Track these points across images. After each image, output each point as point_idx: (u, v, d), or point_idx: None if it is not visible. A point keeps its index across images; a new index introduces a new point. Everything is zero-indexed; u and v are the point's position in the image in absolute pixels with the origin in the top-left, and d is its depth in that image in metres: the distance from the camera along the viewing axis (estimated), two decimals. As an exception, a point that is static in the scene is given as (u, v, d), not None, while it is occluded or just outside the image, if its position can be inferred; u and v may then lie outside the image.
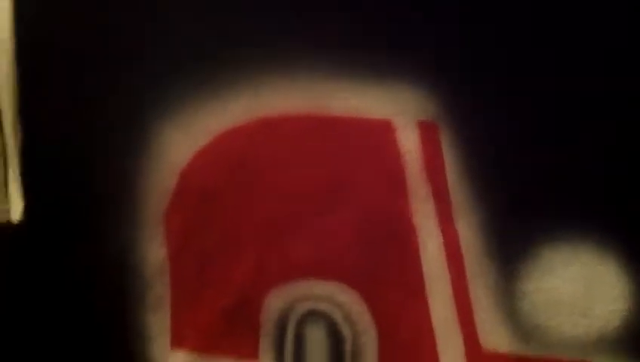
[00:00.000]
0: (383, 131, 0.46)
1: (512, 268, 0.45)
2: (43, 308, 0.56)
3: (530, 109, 0.44)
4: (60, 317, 0.55)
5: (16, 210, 0.61)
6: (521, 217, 0.45)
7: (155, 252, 0.52)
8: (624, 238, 0.44)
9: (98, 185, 0.52)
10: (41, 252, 0.55)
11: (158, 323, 0.53)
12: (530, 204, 0.45)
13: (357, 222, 0.48)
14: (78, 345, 0.55)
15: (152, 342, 0.53)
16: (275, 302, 0.50)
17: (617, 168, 0.43)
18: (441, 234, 0.46)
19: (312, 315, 0.50)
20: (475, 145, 0.45)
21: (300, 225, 0.49)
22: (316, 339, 0.50)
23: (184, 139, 0.50)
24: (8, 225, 0.59)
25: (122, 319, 0.53)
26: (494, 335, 0.47)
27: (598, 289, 0.45)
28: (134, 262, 0.52)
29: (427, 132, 0.45)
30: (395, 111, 0.45)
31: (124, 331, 0.53)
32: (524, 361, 0.46)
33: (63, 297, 0.55)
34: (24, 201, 0.55)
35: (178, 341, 0.53)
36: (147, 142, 0.50)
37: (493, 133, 0.44)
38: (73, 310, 0.55)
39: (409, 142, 0.46)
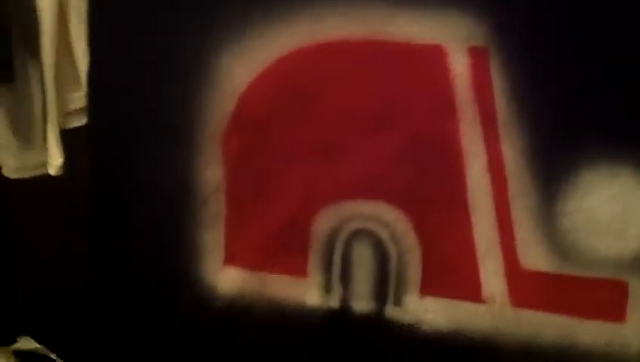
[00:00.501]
0: (434, 56, 0.49)
1: (553, 189, 0.48)
2: (101, 225, 0.59)
3: (579, 33, 0.46)
4: (117, 229, 0.58)
5: (55, 164, 0.64)
6: (564, 139, 0.47)
7: (212, 171, 0.55)
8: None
9: (159, 108, 0.55)
10: (101, 176, 0.59)
11: (212, 240, 0.56)
12: (572, 127, 0.47)
13: (406, 143, 0.50)
14: (133, 257, 0.58)
15: (206, 258, 0.56)
16: (324, 221, 0.53)
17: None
18: (486, 155, 0.49)
19: (359, 234, 0.53)
20: (522, 69, 0.47)
21: (351, 147, 0.52)
22: (363, 257, 0.53)
23: (244, 65, 0.53)
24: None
25: (178, 234, 0.56)
26: (533, 255, 0.49)
27: (635, 211, 0.47)
28: (192, 181, 0.55)
29: (477, 56, 0.48)
30: (446, 36, 0.48)
31: (179, 246, 0.56)
32: (562, 280, 0.49)
33: (122, 212, 0.58)
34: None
35: (231, 258, 0.56)
36: (208, 67, 0.53)
37: (541, 57, 0.47)
38: (129, 224, 0.58)
39: (459, 66, 0.48)
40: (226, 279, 0.56)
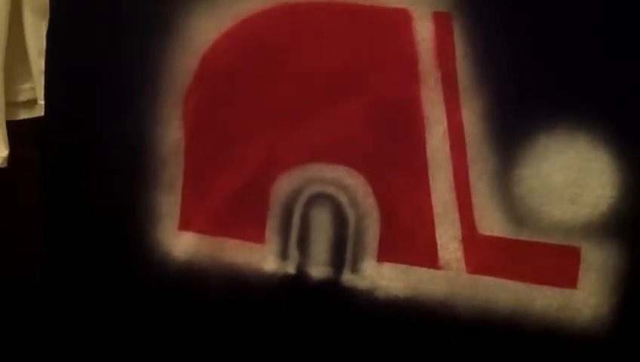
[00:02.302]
0: (399, 20, 0.49)
1: (511, 155, 0.49)
2: (59, 189, 0.58)
3: (540, 6, 0.47)
4: (71, 192, 0.57)
5: (0, 155, 0.63)
6: (523, 105, 0.48)
7: (172, 132, 0.54)
8: (616, 127, 0.47)
9: (119, 66, 0.55)
10: (60, 134, 0.57)
11: (169, 204, 0.55)
12: (531, 92, 0.48)
13: (369, 107, 0.51)
14: (87, 222, 0.57)
15: (161, 222, 0.55)
16: (284, 185, 0.53)
17: (616, 65, 0.47)
18: (446, 120, 0.50)
19: (318, 198, 0.52)
20: (484, 35, 0.48)
21: (313, 110, 0.52)
22: (321, 222, 0.53)
23: (208, 22, 0.52)
24: None
25: (134, 197, 0.55)
26: (490, 220, 0.50)
27: (589, 176, 0.48)
28: (151, 141, 0.54)
29: (441, 21, 0.49)
30: (411, 1, 0.49)
31: (134, 209, 0.55)
32: (517, 245, 0.49)
33: (76, 174, 0.57)
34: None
35: (186, 222, 0.55)
36: (172, 23, 0.53)
37: (503, 23, 0.48)
38: (83, 186, 0.57)
39: (423, 31, 0.49)
40: (181, 244, 0.55)
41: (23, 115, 0.65)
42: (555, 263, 0.49)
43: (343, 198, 0.52)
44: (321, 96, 0.52)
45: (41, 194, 0.59)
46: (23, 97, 0.64)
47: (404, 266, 0.52)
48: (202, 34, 0.52)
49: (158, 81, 0.54)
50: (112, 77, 0.55)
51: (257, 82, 0.52)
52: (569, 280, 0.49)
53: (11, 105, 0.64)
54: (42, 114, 0.58)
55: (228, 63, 0.53)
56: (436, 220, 0.51)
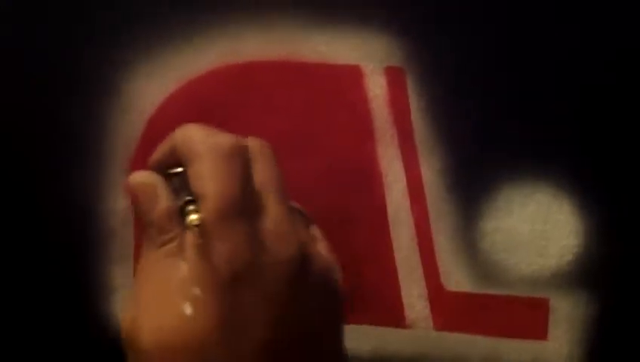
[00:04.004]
0: (351, 77, 0.48)
1: (473, 209, 0.48)
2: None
3: (495, 53, 0.46)
4: (17, 262, 0.54)
5: None
6: (482, 159, 0.47)
7: (119, 201, 0.51)
8: (577, 176, 0.46)
9: (63, 128, 0.52)
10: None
11: (122, 276, 0.52)
12: (490, 147, 0.47)
13: (324, 167, 0.49)
14: (37, 294, 0.54)
15: (116, 294, 0.53)
16: (241, 249, 0.51)
17: (574, 115, 0.46)
18: (405, 177, 0.48)
19: (278, 261, 0.50)
20: (439, 89, 0.47)
21: (267, 172, 0.50)
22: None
23: (153, 85, 0.50)
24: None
25: (86, 269, 0.53)
26: (455, 276, 0.49)
27: (553, 227, 0.47)
28: (99, 211, 0.52)
29: (394, 77, 0.47)
30: (363, 56, 0.47)
31: (88, 281, 0.53)
32: (485, 300, 0.48)
33: (22, 242, 0.54)
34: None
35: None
36: (115, 87, 0.50)
37: (457, 77, 0.47)
38: (33, 256, 0.54)
39: (377, 87, 0.48)
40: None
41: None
42: (524, 316, 0.48)
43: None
44: (275, 156, 0.49)
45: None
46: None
47: (370, 327, 0.50)
48: (147, 96, 0.50)
49: (103, 147, 0.51)
50: (55, 145, 0.52)
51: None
52: (539, 331, 0.48)
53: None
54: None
55: (175, 126, 0.50)
56: (401, 279, 0.49)
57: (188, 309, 0.33)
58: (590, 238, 0.47)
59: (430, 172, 0.48)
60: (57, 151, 0.52)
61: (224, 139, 0.35)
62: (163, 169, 0.38)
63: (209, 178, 0.34)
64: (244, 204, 0.34)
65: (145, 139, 0.51)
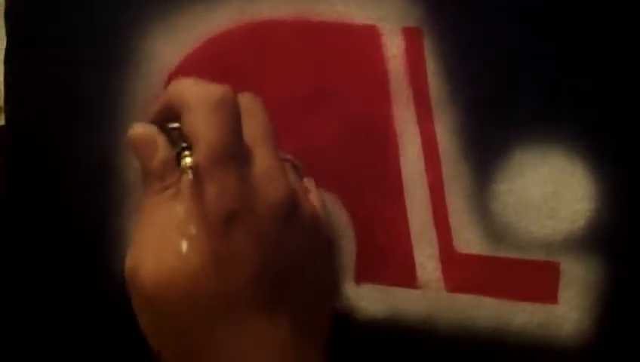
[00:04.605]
0: (368, 36, 0.48)
1: (486, 171, 0.48)
2: (20, 208, 0.56)
3: (512, 19, 0.46)
4: (36, 217, 0.55)
5: None
6: (497, 120, 0.47)
7: (137, 158, 0.52)
8: (592, 139, 0.46)
9: (83, 89, 0.53)
10: (22, 154, 0.55)
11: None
12: (504, 107, 0.47)
13: (340, 127, 0.49)
14: (54, 247, 0.55)
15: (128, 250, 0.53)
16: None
17: (588, 75, 0.46)
18: (420, 138, 0.48)
19: (292, 220, 0.51)
20: (456, 49, 0.47)
21: (282, 130, 0.50)
22: (295, 244, 0.51)
23: (172, 45, 0.51)
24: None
25: (99, 222, 0.54)
26: (467, 238, 0.49)
27: (566, 190, 0.47)
28: (116, 167, 0.53)
29: (411, 37, 0.47)
30: (380, 17, 0.48)
31: (101, 237, 0.54)
32: (496, 262, 0.49)
33: (41, 198, 0.55)
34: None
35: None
36: (134, 46, 0.51)
37: (474, 38, 0.47)
38: (53, 212, 0.55)
39: (393, 48, 0.48)
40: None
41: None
42: (534, 279, 0.48)
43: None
44: (291, 115, 0.50)
45: (7, 205, 0.57)
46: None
47: (382, 287, 0.51)
48: (164, 57, 0.51)
49: (122, 107, 0.52)
50: (75, 104, 0.53)
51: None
52: (549, 295, 0.48)
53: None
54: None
55: (193, 85, 0.51)
56: (413, 239, 0.50)
57: (184, 246, 0.36)
58: (603, 202, 0.47)
59: (445, 133, 0.48)
60: (76, 113, 0.53)
61: (214, 89, 0.38)
62: (161, 123, 0.40)
63: (201, 125, 0.37)
64: (235, 150, 0.37)
65: (163, 97, 0.51)
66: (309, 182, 0.46)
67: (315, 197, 0.45)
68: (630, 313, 0.48)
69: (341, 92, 0.49)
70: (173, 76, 0.51)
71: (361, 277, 0.51)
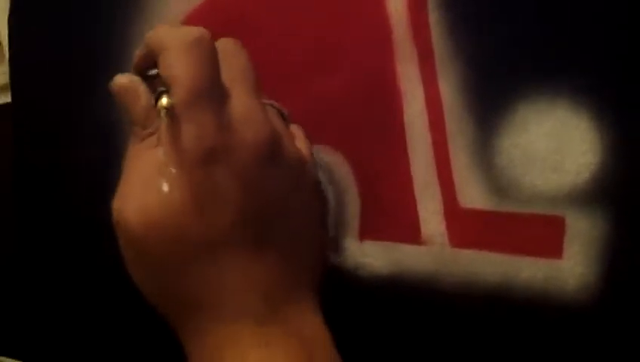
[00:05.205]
0: (371, -8, 0.48)
1: (490, 125, 0.48)
2: (33, 175, 0.57)
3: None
4: (46, 180, 0.56)
5: None
6: (500, 74, 0.47)
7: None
8: (596, 93, 0.46)
9: (89, 44, 0.53)
10: (28, 120, 0.56)
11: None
12: (508, 61, 0.47)
13: (344, 83, 0.50)
14: (63, 211, 0.56)
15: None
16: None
17: (593, 28, 0.46)
18: (423, 93, 0.49)
19: (297, 178, 0.51)
20: (459, 7, 0.47)
21: (287, 87, 0.51)
22: (300, 201, 0.52)
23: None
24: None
25: (110, 178, 0.54)
26: (471, 193, 0.49)
27: (570, 144, 0.47)
28: (124, 125, 0.53)
29: (414, -8, 0.48)
30: (383, -28, 0.48)
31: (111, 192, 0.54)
32: (500, 217, 0.49)
33: (49, 159, 0.56)
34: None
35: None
36: (140, 2, 0.52)
37: (476, -9, 0.47)
38: (58, 170, 0.56)
39: (397, 4, 0.48)
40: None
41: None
42: (539, 233, 0.48)
43: (321, 176, 0.51)
44: (295, 72, 0.51)
45: (16, 180, 0.58)
46: (-1, 81, 0.63)
47: (386, 243, 0.51)
48: (172, 10, 0.51)
49: (129, 62, 0.52)
50: (79, 56, 0.54)
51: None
52: (554, 250, 0.48)
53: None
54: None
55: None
56: (417, 195, 0.50)
57: (165, 187, 0.37)
58: (608, 156, 0.47)
59: (449, 89, 0.48)
60: (84, 67, 0.54)
61: (189, 30, 0.38)
62: (143, 72, 0.41)
63: (176, 66, 0.37)
64: (212, 90, 0.37)
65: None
66: (296, 129, 0.46)
67: (302, 142, 0.45)
68: (635, 267, 0.48)
69: (345, 48, 0.49)
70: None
71: (365, 233, 0.51)
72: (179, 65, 0.36)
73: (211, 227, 0.37)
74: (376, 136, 0.50)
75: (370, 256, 0.51)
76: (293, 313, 0.39)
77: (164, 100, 0.37)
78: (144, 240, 0.37)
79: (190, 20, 0.51)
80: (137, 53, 0.42)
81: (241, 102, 0.39)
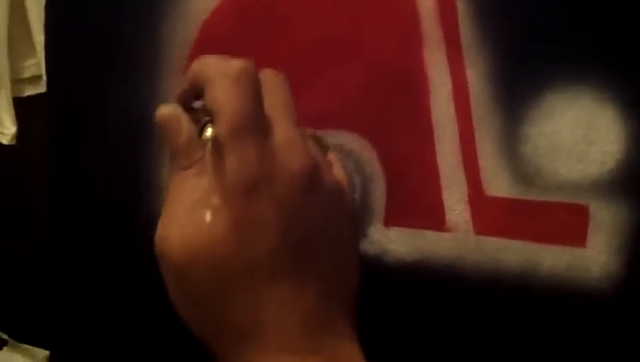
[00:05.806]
0: (400, -20, 0.49)
1: (517, 113, 0.48)
2: (67, 165, 0.58)
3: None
4: (80, 168, 0.57)
5: (8, 133, 0.62)
6: (527, 63, 0.48)
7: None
8: (622, 82, 0.46)
9: (118, 37, 0.54)
10: (62, 110, 0.57)
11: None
12: (536, 49, 0.47)
13: (371, 71, 0.50)
14: (96, 198, 0.57)
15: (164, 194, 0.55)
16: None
17: (621, 18, 0.46)
18: (451, 81, 0.49)
19: (323, 164, 0.52)
20: (487, -8, 0.47)
21: (314, 76, 0.51)
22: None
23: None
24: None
25: (139, 174, 0.55)
26: (497, 181, 0.49)
27: (596, 133, 0.47)
28: (153, 109, 0.54)
29: (442, -20, 0.48)
30: (412, -40, 0.48)
31: (141, 187, 0.55)
32: (525, 205, 0.49)
33: (85, 151, 0.57)
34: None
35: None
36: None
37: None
38: (89, 167, 0.57)
39: (424, -9, 0.48)
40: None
41: (29, 91, 0.65)
42: (563, 222, 0.49)
43: (347, 163, 0.52)
44: (322, 60, 0.51)
45: (50, 170, 0.59)
46: (28, 73, 0.64)
47: (411, 230, 0.51)
48: (200, 1, 0.52)
49: (158, 52, 0.53)
50: (111, 49, 0.54)
51: (257, 50, 0.52)
52: (578, 238, 0.49)
53: (17, 82, 0.64)
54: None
55: (227, 31, 0.52)
56: (442, 182, 0.50)
57: (207, 216, 0.37)
58: (633, 145, 0.47)
59: (476, 76, 0.48)
60: (114, 60, 0.55)
61: (234, 63, 0.38)
62: (187, 103, 0.41)
63: (221, 98, 0.37)
64: (255, 121, 0.37)
65: (199, 45, 0.53)
66: (333, 156, 0.46)
67: (339, 170, 0.45)
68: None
69: (372, 35, 0.50)
70: (208, 20, 0.52)
71: (391, 220, 0.52)
72: (223, 98, 0.37)
73: (251, 257, 0.37)
74: (403, 123, 0.50)
75: (396, 243, 0.52)
76: (332, 342, 0.40)
77: (209, 131, 0.38)
78: (187, 270, 0.38)
79: (217, 14, 0.51)
80: (182, 84, 0.42)
81: (283, 132, 0.39)
